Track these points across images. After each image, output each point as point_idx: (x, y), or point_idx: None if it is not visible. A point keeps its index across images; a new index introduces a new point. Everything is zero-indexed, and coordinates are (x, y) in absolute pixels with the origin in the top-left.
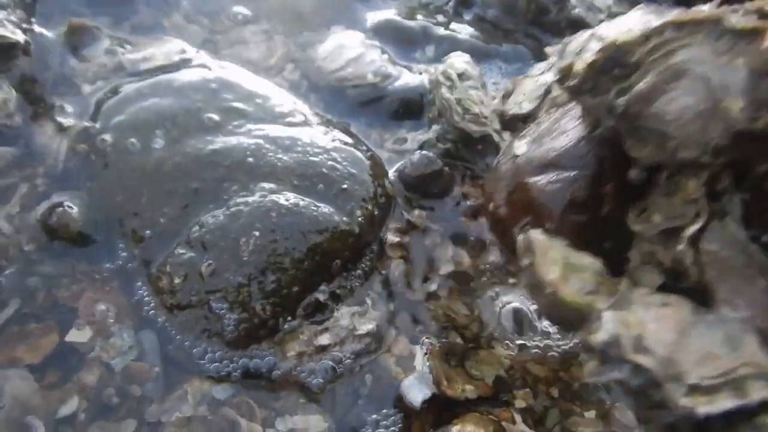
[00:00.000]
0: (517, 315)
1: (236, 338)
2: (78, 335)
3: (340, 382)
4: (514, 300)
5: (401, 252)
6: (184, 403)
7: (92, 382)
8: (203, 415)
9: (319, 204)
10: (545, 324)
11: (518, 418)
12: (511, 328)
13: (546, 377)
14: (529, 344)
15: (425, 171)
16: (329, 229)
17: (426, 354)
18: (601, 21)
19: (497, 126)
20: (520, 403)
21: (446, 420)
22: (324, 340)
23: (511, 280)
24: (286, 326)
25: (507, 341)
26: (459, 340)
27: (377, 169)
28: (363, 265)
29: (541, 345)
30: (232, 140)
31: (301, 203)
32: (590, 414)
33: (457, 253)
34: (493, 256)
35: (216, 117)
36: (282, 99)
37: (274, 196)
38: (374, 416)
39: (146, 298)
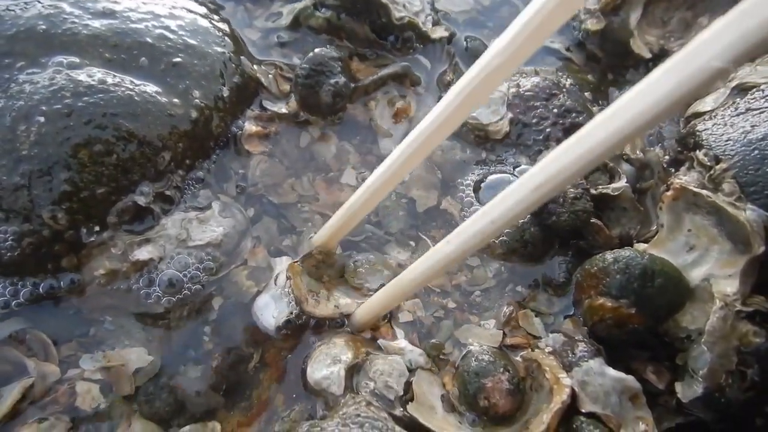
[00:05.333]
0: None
1: (19, 257)
2: None
3: (173, 305)
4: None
5: (264, 146)
6: None
7: None
8: None
9: (138, 81)
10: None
11: (400, 333)
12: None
13: (441, 285)
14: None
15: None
16: (151, 113)
17: (287, 270)
18: None
19: None
20: (405, 317)
21: (311, 343)
22: (143, 254)
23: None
24: (93, 239)
25: (410, 240)
26: (339, 249)
27: (232, 42)
28: (209, 161)
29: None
30: (19, 5)
31: (110, 80)
32: (489, 323)
33: (342, 147)
34: (385, 145)
35: None
36: None
37: (72, 72)
38: (217, 347)
39: None
